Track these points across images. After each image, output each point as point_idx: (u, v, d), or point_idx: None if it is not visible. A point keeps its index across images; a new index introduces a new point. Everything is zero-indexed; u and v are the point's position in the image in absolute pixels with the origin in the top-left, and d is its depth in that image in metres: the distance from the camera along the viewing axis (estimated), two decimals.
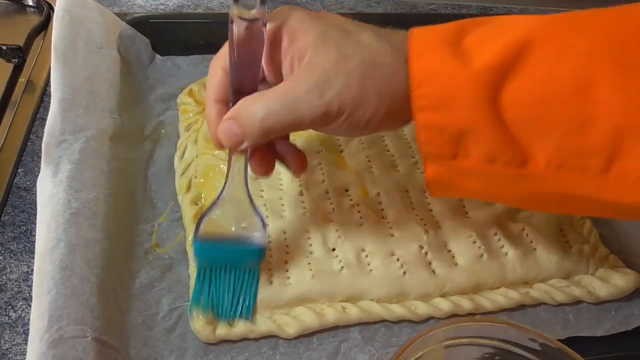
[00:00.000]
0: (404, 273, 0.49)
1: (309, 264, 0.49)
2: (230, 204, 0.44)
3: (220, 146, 0.42)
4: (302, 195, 0.54)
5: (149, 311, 0.46)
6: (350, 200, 0.53)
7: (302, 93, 0.37)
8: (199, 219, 0.45)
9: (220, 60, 0.42)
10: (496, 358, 0.40)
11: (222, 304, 0.45)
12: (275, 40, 0.40)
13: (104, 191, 0.49)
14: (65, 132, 0.50)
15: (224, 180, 0.53)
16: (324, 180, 0.55)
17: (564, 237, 0.54)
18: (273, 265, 0.48)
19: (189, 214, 0.52)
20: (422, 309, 0.48)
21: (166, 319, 0.46)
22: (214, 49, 0.67)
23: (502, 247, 0.52)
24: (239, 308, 0.45)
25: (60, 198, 0.46)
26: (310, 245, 0.50)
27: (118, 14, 0.65)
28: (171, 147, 0.58)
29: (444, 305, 0.48)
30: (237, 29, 0.39)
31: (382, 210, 0.53)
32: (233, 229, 0.45)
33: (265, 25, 0.39)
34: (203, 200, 0.53)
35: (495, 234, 0.53)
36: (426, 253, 0.50)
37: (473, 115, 0.35)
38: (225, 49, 0.42)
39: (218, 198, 0.45)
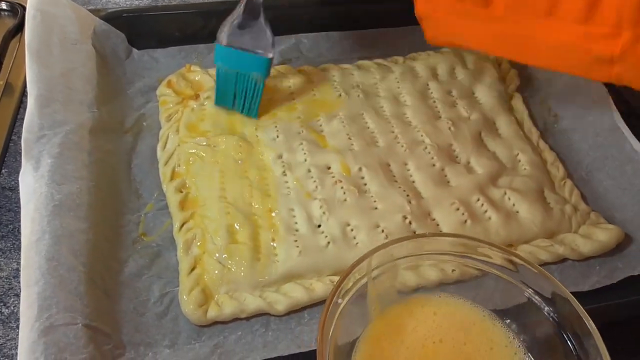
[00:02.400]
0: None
1: (296, 241, 0.49)
2: (247, 16, 0.54)
3: None
4: (285, 175, 0.54)
5: (140, 298, 0.47)
6: (333, 177, 0.54)
7: None
8: (221, 26, 0.55)
9: None
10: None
11: (235, 101, 0.57)
12: None
13: (87, 183, 0.49)
14: (44, 128, 0.50)
15: (205, 167, 0.54)
16: (306, 160, 0.55)
17: (545, 199, 0.55)
18: (261, 243, 0.49)
19: (174, 201, 0.52)
20: (408, 279, 0.48)
21: (157, 304, 0.47)
22: (190, 40, 0.69)
23: (485, 212, 0.53)
24: (246, 107, 0.58)
25: (42, 192, 0.46)
26: (296, 223, 0.51)
27: (92, 11, 0.65)
28: (153, 139, 0.59)
29: (430, 272, 0.49)
30: None
31: (365, 184, 0.54)
32: (247, 41, 0.55)
33: None
34: (187, 184, 0.53)
35: (478, 199, 0.53)
36: (410, 223, 0.51)
37: None
38: None
39: (235, 11, 0.54)
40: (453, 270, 0.45)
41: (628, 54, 0.41)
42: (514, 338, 0.41)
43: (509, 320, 0.41)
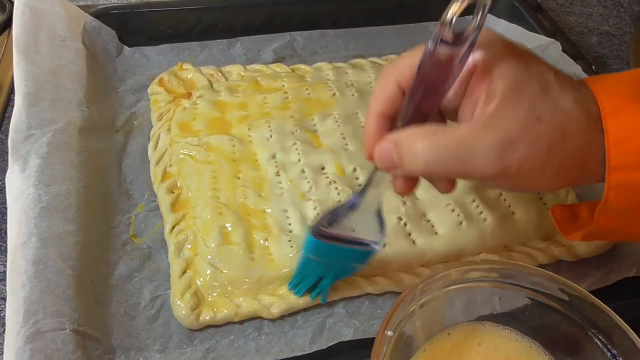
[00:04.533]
0: (384, 245, 0.49)
1: (290, 241, 0.48)
2: (360, 211, 0.42)
3: (371, 158, 0.39)
4: (279, 175, 0.53)
5: (130, 301, 0.46)
6: (327, 177, 0.53)
7: (481, 148, 0.34)
8: (323, 214, 0.42)
9: (397, 73, 0.38)
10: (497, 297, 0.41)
11: (304, 285, 0.45)
12: (467, 70, 0.36)
13: (76, 184, 0.48)
14: (32, 127, 0.49)
15: (197, 168, 0.53)
16: (299, 160, 0.54)
17: (541, 199, 0.54)
18: (254, 244, 0.48)
19: (165, 202, 0.51)
20: (405, 279, 0.48)
21: (148, 308, 0.46)
22: (182, 37, 0.68)
23: (481, 213, 0.52)
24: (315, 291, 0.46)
25: (29, 193, 0.45)
26: (290, 224, 0.50)
27: (82, 7, 0.64)
28: (144, 138, 0.58)
29: (426, 274, 0.48)
30: (438, 52, 0.34)
31: (360, 185, 0.53)
32: (353, 232, 0.42)
33: (469, 53, 0.34)
34: (179, 185, 0.52)
35: (474, 200, 0.53)
36: (405, 224, 0.50)
37: None
38: (404, 62, 0.38)
39: (352, 202, 0.42)
40: (500, 299, 0.41)
41: None
42: None
43: (561, 354, 0.40)
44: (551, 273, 0.40)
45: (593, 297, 0.39)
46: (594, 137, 0.35)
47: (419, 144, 0.35)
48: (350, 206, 0.41)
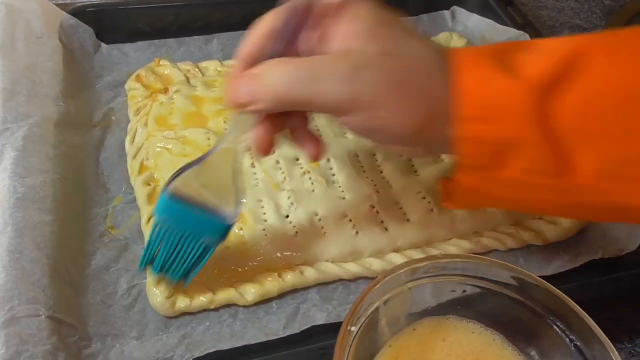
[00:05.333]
0: (356, 232, 0.50)
1: (264, 229, 0.49)
2: (215, 166, 0.40)
3: (231, 104, 0.38)
4: (253, 167, 0.54)
5: (107, 290, 0.47)
6: (301, 168, 0.54)
7: (331, 71, 0.34)
8: (177, 172, 0.40)
9: (273, 19, 0.38)
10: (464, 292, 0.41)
11: (166, 265, 0.43)
12: (326, 12, 0.37)
13: (52, 176, 0.49)
14: (7, 121, 0.50)
15: (173, 160, 0.54)
16: (274, 151, 0.55)
17: None
18: (231, 233, 0.49)
19: (142, 194, 0.52)
20: (376, 265, 0.49)
21: (125, 296, 0.47)
22: (160, 34, 0.69)
23: None
24: (179, 272, 0.44)
25: (5, 184, 0.46)
26: (264, 213, 0.51)
27: (60, 5, 0.65)
28: (122, 133, 0.58)
29: (397, 259, 0.49)
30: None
31: (333, 175, 0.54)
32: (206, 195, 0.40)
33: None
34: (155, 177, 0.53)
35: None
36: (377, 212, 0.51)
37: (522, 126, 0.34)
38: (279, 10, 0.38)
39: (204, 156, 0.40)
40: (464, 291, 0.41)
41: None
42: None
43: (523, 344, 0.40)
44: (510, 264, 0.40)
45: (551, 285, 0.39)
46: (445, 84, 0.35)
47: (273, 70, 0.36)
48: (203, 158, 0.40)
